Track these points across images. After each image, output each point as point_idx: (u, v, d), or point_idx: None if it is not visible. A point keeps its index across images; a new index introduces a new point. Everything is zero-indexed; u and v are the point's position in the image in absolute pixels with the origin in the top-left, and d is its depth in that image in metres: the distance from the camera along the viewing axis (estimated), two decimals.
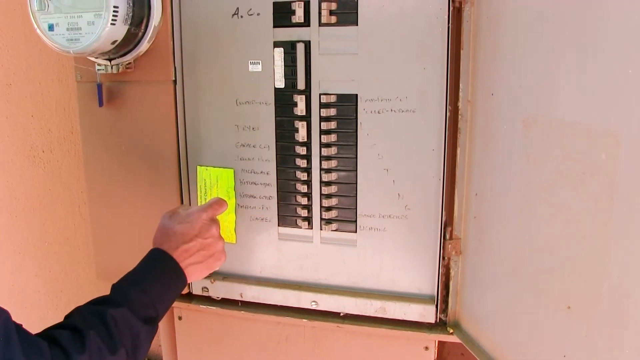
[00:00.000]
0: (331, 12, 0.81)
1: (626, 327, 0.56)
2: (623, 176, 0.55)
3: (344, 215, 0.88)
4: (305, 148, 0.87)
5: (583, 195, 0.60)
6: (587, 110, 0.59)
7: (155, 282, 0.72)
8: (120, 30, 0.81)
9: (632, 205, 0.54)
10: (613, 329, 0.58)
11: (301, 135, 0.86)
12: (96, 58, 0.88)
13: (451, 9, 0.77)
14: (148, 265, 0.74)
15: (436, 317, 0.87)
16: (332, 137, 0.85)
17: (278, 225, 0.92)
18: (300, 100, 0.85)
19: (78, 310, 0.66)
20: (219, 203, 0.82)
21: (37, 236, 1.31)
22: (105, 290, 0.71)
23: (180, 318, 1.03)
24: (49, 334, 0.61)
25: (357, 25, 0.81)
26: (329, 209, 0.88)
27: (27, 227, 1.29)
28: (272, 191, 0.91)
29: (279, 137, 0.88)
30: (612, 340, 0.58)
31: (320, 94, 0.84)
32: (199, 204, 0.94)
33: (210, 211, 0.80)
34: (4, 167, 1.25)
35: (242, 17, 0.85)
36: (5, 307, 0.55)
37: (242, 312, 0.96)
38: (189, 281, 0.76)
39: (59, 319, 0.65)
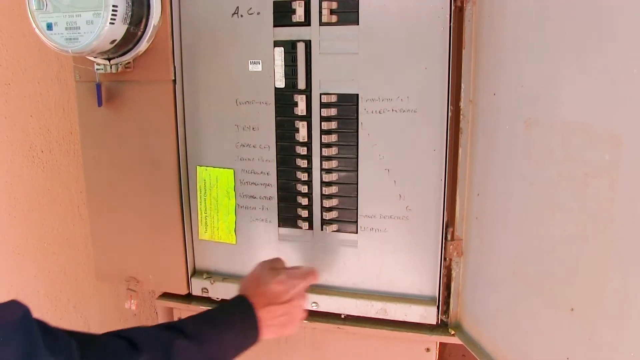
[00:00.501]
0: (332, 12, 0.81)
1: (630, 329, 0.56)
2: (626, 177, 0.55)
3: (345, 216, 0.88)
4: (305, 148, 0.86)
5: (585, 196, 0.59)
6: (589, 111, 0.59)
7: (231, 330, 0.69)
8: (119, 30, 0.80)
9: (635, 207, 0.54)
10: (616, 331, 0.57)
11: (302, 136, 0.86)
12: (95, 57, 0.87)
13: (453, 8, 0.76)
14: (230, 311, 0.72)
15: (437, 319, 0.86)
16: (333, 137, 0.85)
17: (278, 226, 0.91)
18: (300, 100, 0.84)
19: (143, 328, 0.64)
20: (315, 276, 0.80)
21: (36, 236, 1.31)
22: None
23: (180, 319, 1.02)
24: (101, 338, 0.58)
25: (357, 24, 0.80)
26: (329, 209, 0.88)
27: (26, 228, 1.29)
28: (272, 191, 0.90)
29: (279, 137, 0.88)
30: (616, 343, 0.58)
31: (320, 94, 0.84)
32: (198, 205, 0.94)
33: (308, 281, 0.79)
34: (3, 167, 1.25)
35: (242, 16, 0.85)
36: None
37: None
38: (259, 338, 0.73)
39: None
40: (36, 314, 0.51)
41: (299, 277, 0.77)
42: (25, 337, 0.48)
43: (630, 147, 0.54)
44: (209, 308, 0.73)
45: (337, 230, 0.88)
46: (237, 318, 0.71)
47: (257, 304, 0.72)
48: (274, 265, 0.79)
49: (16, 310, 0.49)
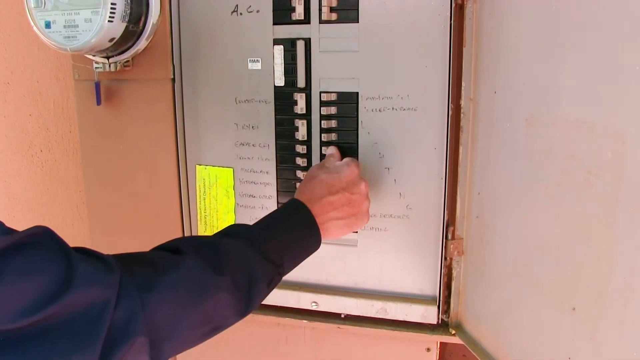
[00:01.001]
0: (332, 9, 0.80)
1: (632, 329, 0.55)
2: (629, 175, 0.54)
3: None
4: (305, 147, 0.86)
5: (588, 195, 0.59)
6: (591, 109, 0.58)
7: (282, 225, 0.65)
8: (118, 28, 0.80)
9: (638, 205, 0.53)
10: (618, 330, 0.57)
11: (301, 134, 0.85)
12: (94, 56, 0.87)
13: (453, 5, 0.75)
14: (279, 211, 0.68)
15: (438, 318, 0.86)
16: (333, 136, 0.84)
17: None
18: (300, 98, 0.84)
19: (187, 237, 0.61)
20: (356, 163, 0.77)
21: None
22: None
23: None
24: (141, 252, 0.56)
25: (357, 22, 0.80)
26: None
27: (25, 227, 1.29)
28: (272, 191, 0.90)
29: (279, 136, 0.87)
30: (618, 342, 0.57)
31: (320, 92, 0.83)
32: (197, 204, 0.93)
33: (361, 167, 0.74)
34: (2, 167, 1.25)
35: (241, 14, 0.84)
36: None
37: None
38: (325, 237, 0.68)
39: None
40: None
41: (350, 163, 0.74)
42: (58, 251, 0.47)
43: (634, 144, 0.53)
44: None
45: None
46: (285, 211, 0.67)
47: (311, 200, 0.68)
48: (322, 163, 0.75)
49: (41, 230, 0.48)
